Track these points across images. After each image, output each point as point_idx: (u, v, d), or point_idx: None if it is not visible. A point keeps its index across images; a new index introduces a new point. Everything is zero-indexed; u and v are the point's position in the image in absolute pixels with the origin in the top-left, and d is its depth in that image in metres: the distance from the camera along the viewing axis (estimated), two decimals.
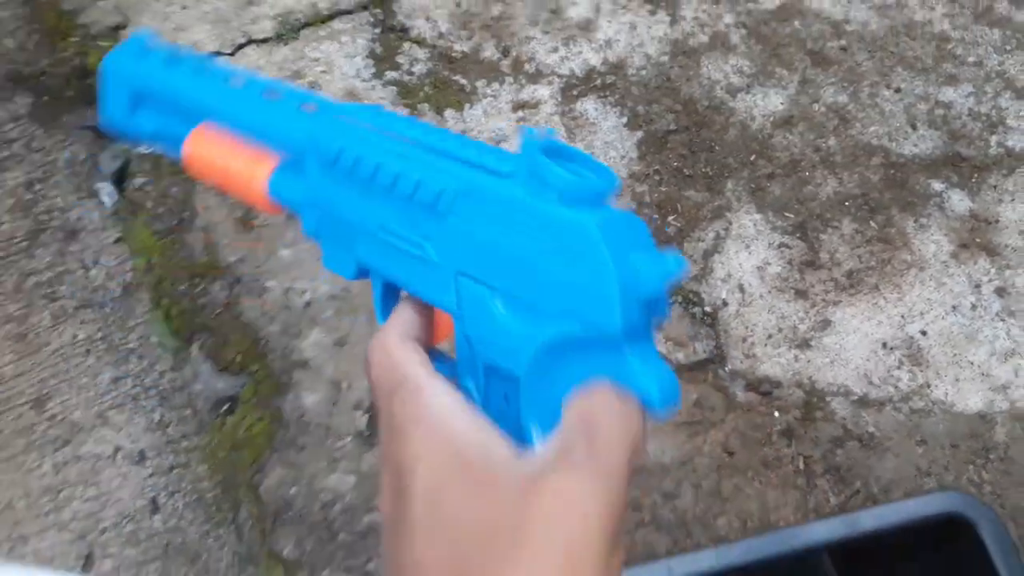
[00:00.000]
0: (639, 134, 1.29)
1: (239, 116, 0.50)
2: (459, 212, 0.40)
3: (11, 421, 1.14)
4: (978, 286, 1.17)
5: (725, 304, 1.15)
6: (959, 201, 1.24)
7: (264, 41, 1.41)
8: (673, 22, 1.39)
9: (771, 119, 1.31)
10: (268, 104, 0.50)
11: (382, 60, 1.38)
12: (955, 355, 1.13)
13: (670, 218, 1.22)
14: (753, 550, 0.78)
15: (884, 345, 1.13)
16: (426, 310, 0.43)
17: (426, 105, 1.33)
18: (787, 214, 1.22)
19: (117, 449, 1.13)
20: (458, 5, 1.43)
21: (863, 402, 1.10)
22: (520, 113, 1.31)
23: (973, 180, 1.25)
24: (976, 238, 1.21)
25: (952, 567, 0.83)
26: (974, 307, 1.16)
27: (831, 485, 1.05)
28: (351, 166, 0.44)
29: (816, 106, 1.32)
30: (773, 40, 1.37)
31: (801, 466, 1.06)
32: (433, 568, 0.31)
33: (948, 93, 1.33)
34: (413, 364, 0.38)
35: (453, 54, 1.38)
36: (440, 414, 0.35)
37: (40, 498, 1.10)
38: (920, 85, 1.34)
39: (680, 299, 1.15)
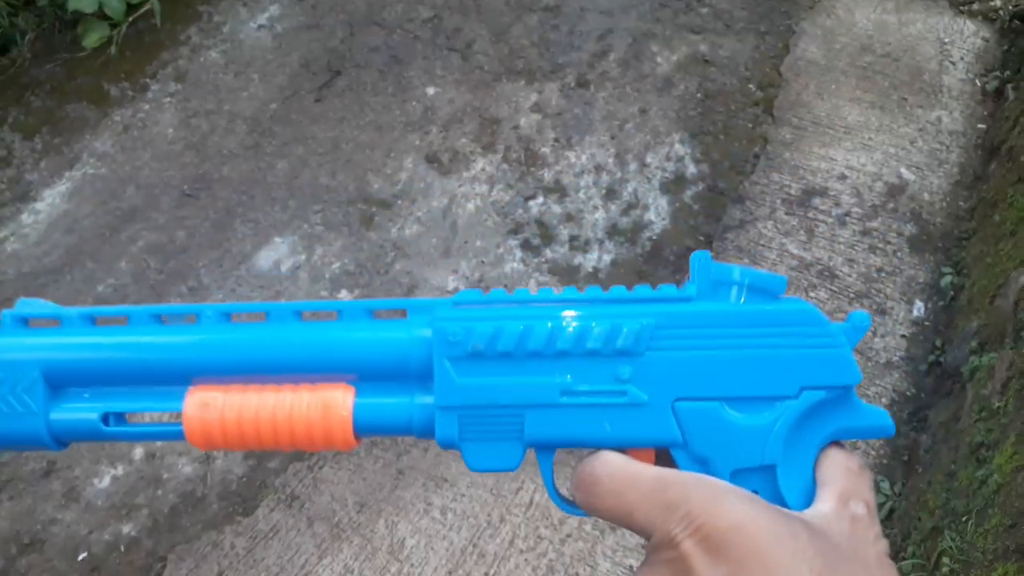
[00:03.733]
0: None
1: (273, 354, 0.46)
2: (659, 345, 0.43)
3: None
4: None
5: None
6: None
7: None
8: None
9: None
10: (315, 327, 0.47)
11: None
12: None
13: None
14: None
15: None
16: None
17: None
18: None
19: None
20: None
21: None
22: None
23: None
24: None
25: None
26: None
27: None
28: (514, 344, 0.44)
29: None
30: None
31: None
32: None
33: None
34: (675, 474, 0.42)
35: None
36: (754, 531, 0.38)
37: None
38: None
39: None
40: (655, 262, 2.23)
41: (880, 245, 2.23)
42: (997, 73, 2.61)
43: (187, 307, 0.47)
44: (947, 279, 2.13)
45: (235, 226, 2.37)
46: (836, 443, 0.45)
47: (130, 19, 2.79)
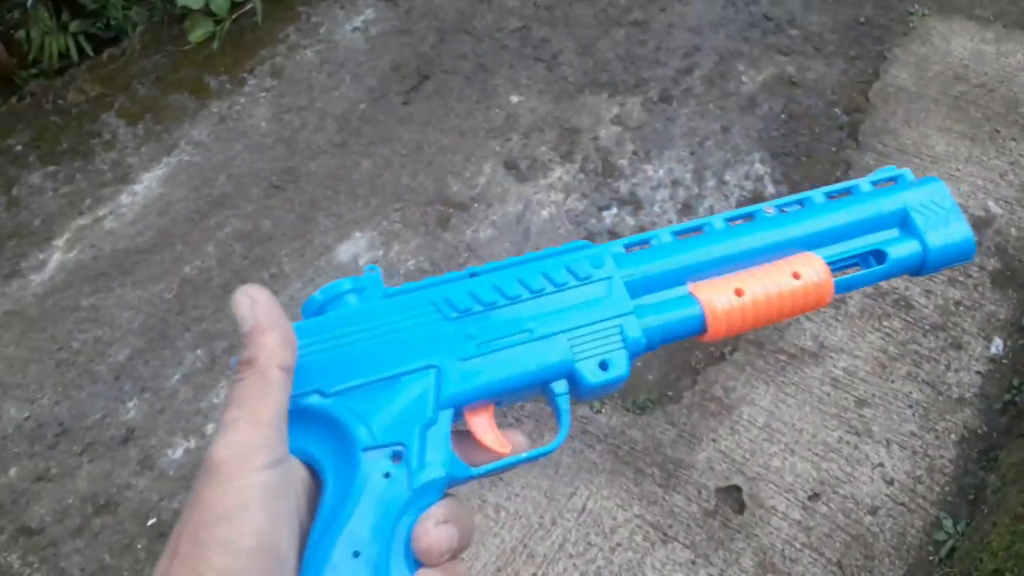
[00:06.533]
0: None
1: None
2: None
3: None
4: None
5: None
6: None
7: None
8: None
9: None
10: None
11: None
12: None
13: None
14: None
15: None
16: None
17: None
18: None
19: None
20: None
21: None
22: None
23: None
24: None
25: None
26: None
27: None
28: None
29: None
30: None
31: None
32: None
33: None
34: None
35: None
36: None
37: None
38: None
39: None
40: None
41: (960, 278, 2.18)
42: None
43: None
44: None
45: (318, 219, 2.45)
46: None
47: (233, 16, 2.93)
